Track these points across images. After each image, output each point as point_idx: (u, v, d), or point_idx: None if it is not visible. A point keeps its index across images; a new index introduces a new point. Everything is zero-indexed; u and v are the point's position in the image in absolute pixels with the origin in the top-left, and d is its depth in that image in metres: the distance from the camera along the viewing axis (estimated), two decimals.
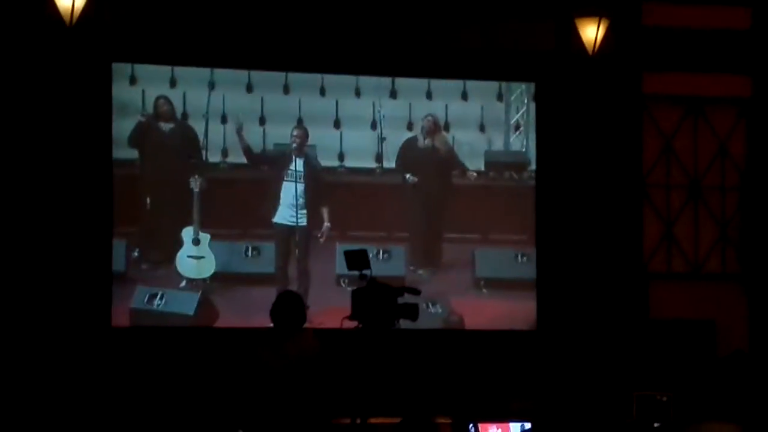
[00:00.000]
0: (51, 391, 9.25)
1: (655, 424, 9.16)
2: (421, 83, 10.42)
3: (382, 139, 10.33)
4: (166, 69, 10.02)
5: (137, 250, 9.85)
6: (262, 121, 10.12)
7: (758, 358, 9.98)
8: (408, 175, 10.39)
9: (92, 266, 9.61)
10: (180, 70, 10.04)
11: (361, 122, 10.32)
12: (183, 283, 9.97)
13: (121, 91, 9.90)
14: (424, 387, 9.55)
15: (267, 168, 10.20)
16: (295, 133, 10.19)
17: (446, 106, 10.46)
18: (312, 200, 10.19)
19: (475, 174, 10.47)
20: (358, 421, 6.87)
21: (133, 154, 9.92)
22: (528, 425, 7.73)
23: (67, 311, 9.47)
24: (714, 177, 10.86)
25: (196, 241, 9.99)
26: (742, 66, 10.76)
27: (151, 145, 10.01)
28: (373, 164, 10.35)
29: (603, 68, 10.32)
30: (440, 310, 10.23)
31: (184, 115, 10.03)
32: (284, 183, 10.15)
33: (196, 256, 9.99)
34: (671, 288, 10.61)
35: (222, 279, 10.05)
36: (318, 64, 10.15)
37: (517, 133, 10.62)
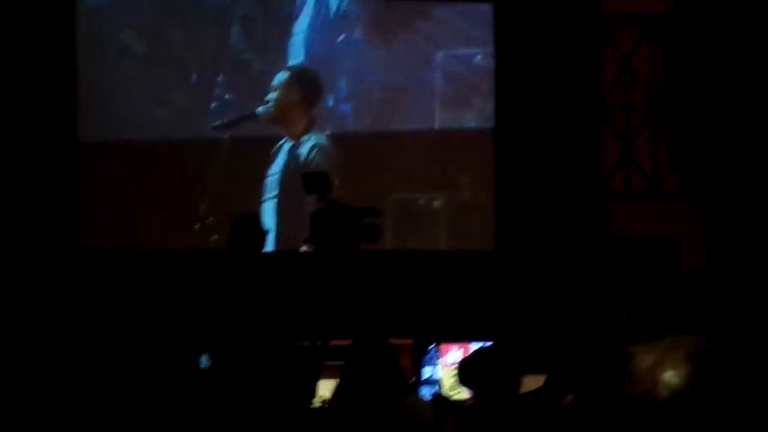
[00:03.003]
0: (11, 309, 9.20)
1: (624, 316, 9.21)
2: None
3: None
4: None
5: None
6: None
7: (716, 275, 10.04)
8: None
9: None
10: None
11: None
12: None
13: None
14: (384, 309, 9.55)
15: None
16: None
17: None
18: None
19: None
20: (319, 343, 6.86)
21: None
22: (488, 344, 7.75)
23: (29, 230, 9.42)
24: None
25: None
26: None
27: None
28: None
29: None
30: None
31: None
32: None
33: None
34: (631, 207, 10.65)
35: None
36: None
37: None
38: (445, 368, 8.34)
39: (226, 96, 9.98)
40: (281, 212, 9.97)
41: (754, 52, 10.47)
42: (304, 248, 6.87)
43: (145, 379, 8.70)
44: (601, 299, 9.76)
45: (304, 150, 10.10)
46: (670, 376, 1.94)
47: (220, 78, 9.97)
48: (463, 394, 7.21)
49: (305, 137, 10.12)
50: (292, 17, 10.17)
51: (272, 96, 10.07)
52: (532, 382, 5.43)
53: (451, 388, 7.95)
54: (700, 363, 1.95)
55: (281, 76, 10.14)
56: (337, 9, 10.25)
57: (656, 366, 1.95)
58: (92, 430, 7.91)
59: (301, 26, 10.17)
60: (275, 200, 10.00)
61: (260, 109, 10.03)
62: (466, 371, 5.32)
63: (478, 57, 10.48)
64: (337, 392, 5.21)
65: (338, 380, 5.34)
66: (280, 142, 10.09)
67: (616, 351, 2.06)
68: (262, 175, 10.02)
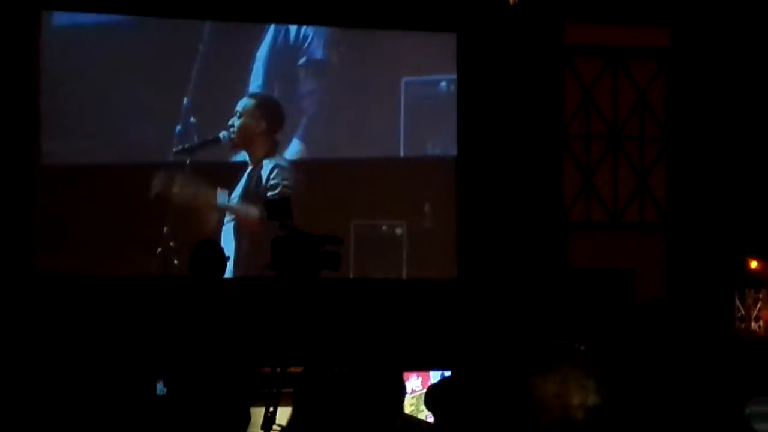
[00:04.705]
0: None
1: (582, 347, 9.27)
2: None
3: None
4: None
5: None
6: None
7: (675, 306, 10.12)
8: None
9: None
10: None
11: None
12: None
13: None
14: (344, 336, 9.54)
15: None
16: None
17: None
18: None
19: None
20: (278, 370, 6.85)
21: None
22: (447, 373, 7.75)
23: None
24: (633, 128, 10.93)
25: None
26: (661, 17, 10.80)
27: None
28: None
29: (524, 18, 10.30)
30: None
31: None
32: None
33: None
34: (590, 237, 10.71)
35: None
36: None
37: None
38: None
39: (191, 119, 9.98)
40: (240, 235, 9.95)
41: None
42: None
43: (102, 405, 8.66)
44: (560, 328, 9.80)
45: (263, 173, 10.11)
46: (578, 397, 1.96)
47: (185, 101, 9.97)
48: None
49: (266, 161, 10.14)
50: (254, 44, 10.18)
51: (236, 121, 10.07)
52: None
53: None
54: (597, 373, 1.97)
55: (245, 103, 10.15)
56: (297, 35, 10.27)
57: (561, 391, 1.96)
58: None
59: (262, 52, 10.19)
60: (234, 223, 10.00)
61: (223, 133, 10.03)
62: (432, 397, 5.35)
63: (442, 84, 10.53)
64: (292, 420, 5.20)
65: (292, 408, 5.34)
66: (243, 167, 10.09)
67: (520, 383, 2.08)
68: (223, 199, 10.01)
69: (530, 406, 2.02)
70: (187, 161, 9.96)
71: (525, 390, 2.04)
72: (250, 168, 10.10)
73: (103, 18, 9.83)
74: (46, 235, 9.64)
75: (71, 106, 9.76)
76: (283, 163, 10.15)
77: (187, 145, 9.96)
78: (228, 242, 9.73)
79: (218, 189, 10.03)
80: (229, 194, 10.04)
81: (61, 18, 9.80)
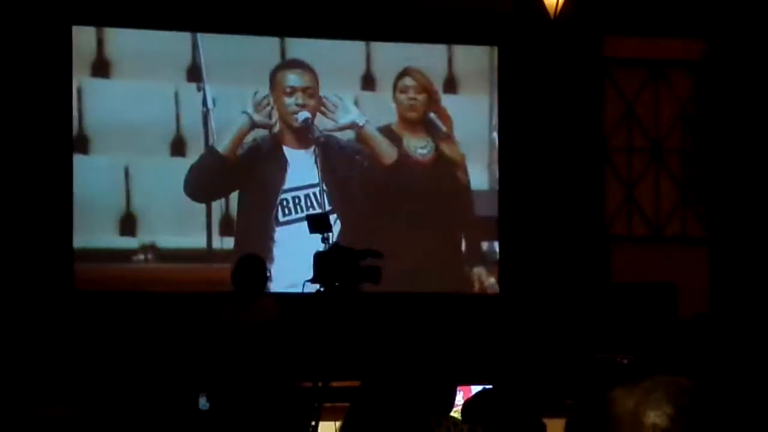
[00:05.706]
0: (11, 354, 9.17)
1: (624, 360, 9.24)
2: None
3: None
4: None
5: None
6: None
7: (719, 321, 10.05)
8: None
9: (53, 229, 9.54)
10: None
11: None
12: None
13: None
14: (385, 350, 9.52)
15: None
16: None
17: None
18: None
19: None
20: (320, 384, 6.85)
21: None
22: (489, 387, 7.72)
23: (28, 274, 9.39)
24: (675, 140, 10.88)
25: None
26: (698, 29, 10.74)
27: None
28: None
29: (564, 31, 10.28)
30: None
31: None
32: None
33: None
34: (632, 251, 10.66)
35: None
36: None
37: None
38: None
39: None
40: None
41: None
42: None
43: (146, 420, 8.69)
44: (602, 342, 9.75)
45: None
46: (653, 417, 1.94)
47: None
48: None
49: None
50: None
51: None
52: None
53: None
54: (681, 402, 1.95)
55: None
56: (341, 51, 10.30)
57: (638, 408, 1.94)
58: None
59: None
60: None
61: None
62: (470, 410, 5.35)
63: (483, 98, 10.52)
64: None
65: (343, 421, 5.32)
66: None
67: (597, 395, 2.04)
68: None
69: (602, 420, 1.98)
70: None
71: (600, 402, 2.01)
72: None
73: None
74: (85, 251, 9.71)
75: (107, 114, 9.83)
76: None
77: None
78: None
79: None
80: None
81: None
